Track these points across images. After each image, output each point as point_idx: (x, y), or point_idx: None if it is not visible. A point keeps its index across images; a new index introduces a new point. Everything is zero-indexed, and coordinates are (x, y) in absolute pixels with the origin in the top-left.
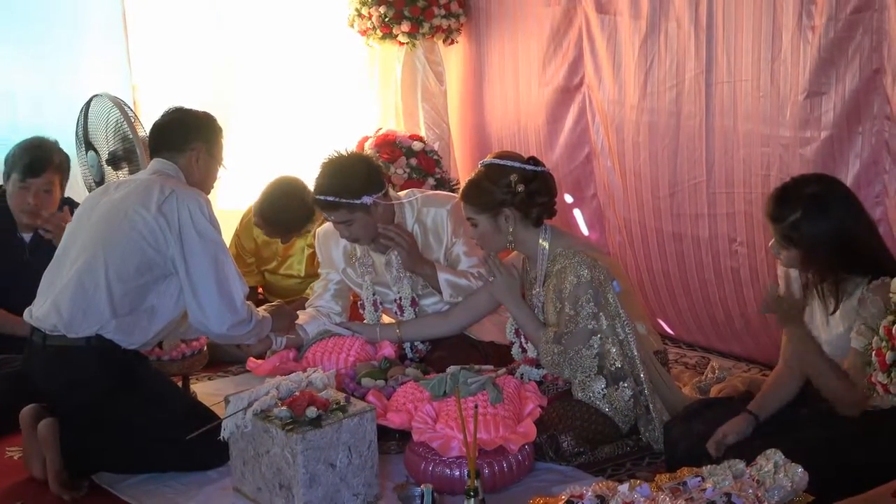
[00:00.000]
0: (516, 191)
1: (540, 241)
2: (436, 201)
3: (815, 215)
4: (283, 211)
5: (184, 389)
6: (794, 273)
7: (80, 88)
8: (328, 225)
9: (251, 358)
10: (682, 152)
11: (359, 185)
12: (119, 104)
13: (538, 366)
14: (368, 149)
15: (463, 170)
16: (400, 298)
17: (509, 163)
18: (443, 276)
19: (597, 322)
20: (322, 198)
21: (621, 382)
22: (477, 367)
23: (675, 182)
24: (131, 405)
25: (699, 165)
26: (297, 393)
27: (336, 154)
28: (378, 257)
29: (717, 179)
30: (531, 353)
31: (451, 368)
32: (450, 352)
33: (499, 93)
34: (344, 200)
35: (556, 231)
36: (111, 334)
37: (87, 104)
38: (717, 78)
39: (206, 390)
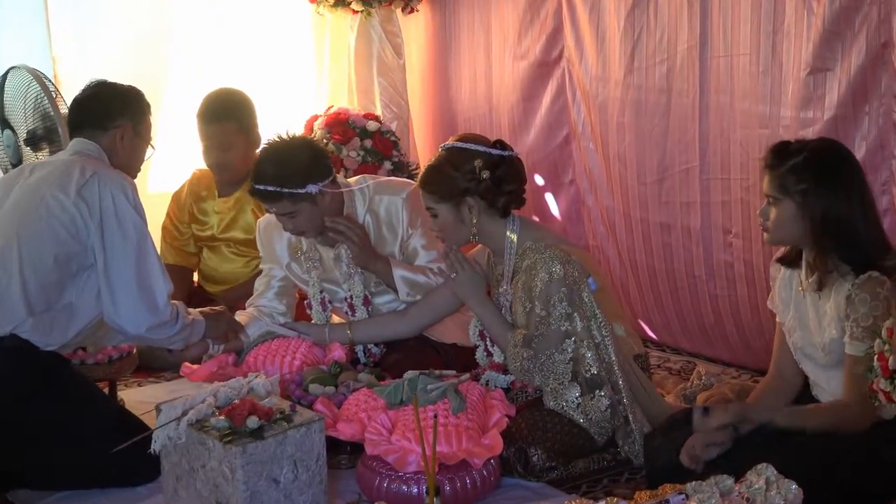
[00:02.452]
0: (481, 178)
1: (507, 233)
2: (389, 188)
3: (817, 165)
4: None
5: (110, 396)
6: (784, 274)
7: None
8: (270, 216)
9: (185, 363)
10: (672, 134)
11: (302, 173)
12: (39, 78)
13: (505, 371)
14: (318, 129)
15: (423, 153)
16: (351, 297)
17: (473, 146)
18: (398, 273)
19: (570, 323)
20: (261, 187)
21: (597, 390)
22: (437, 372)
23: (664, 167)
24: (50, 414)
25: (691, 148)
26: (236, 401)
27: (276, 139)
28: (326, 251)
29: (710, 164)
30: (498, 358)
31: (409, 374)
32: (407, 355)
33: (467, 67)
34: (286, 190)
35: (525, 222)
36: (27, 334)
37: (3, 77)
38: (712, 52)
39: (135, 397)
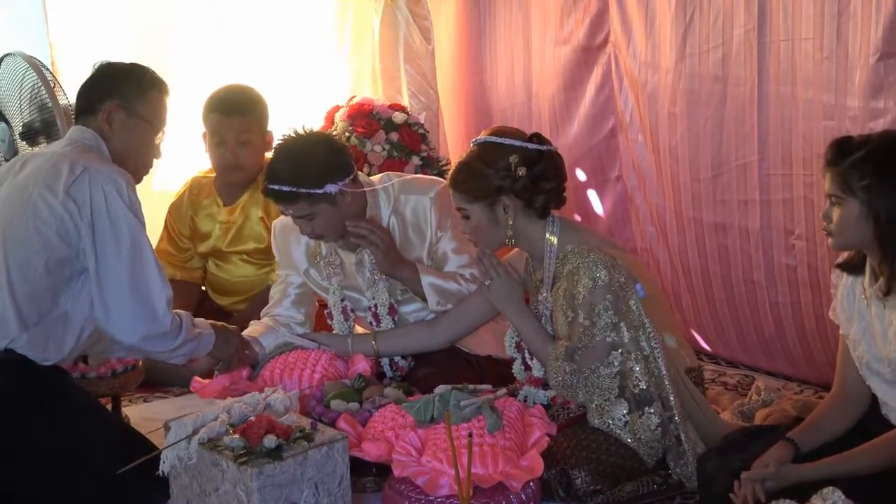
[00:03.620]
0: (517, 175)
1: (546, 235)
2: (416, 187)
3: (882, 158)
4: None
5: (114, 413)
6: (847, 281)
7: None
8: (286, 218)
9: (196, 377)
10: (728, 126)
11: (320, 172)
12: (36, 65)
13: (546, 386)
14: (340, 121)
15: (455, 147)
16: (375, 305)
17: (508, 141)
18: (427, 280)
19: (617, 334)
20: (276, 188)
21: (647, 407)
22: (471, 386)
23: (719, 162)
24: (48, 433)
25: (749, 142)
26: (252, 418)
27: (291, 134)
28: (347, 256)
29: (771, 159)
30: (537, 372)
31: (440, 389)
32: (437, 368)
33: (503, 53)
34: (303, 190)
35: (566, 223)
36: (23, 349)
37: None
38: (771, 36)
39: (141, 414)
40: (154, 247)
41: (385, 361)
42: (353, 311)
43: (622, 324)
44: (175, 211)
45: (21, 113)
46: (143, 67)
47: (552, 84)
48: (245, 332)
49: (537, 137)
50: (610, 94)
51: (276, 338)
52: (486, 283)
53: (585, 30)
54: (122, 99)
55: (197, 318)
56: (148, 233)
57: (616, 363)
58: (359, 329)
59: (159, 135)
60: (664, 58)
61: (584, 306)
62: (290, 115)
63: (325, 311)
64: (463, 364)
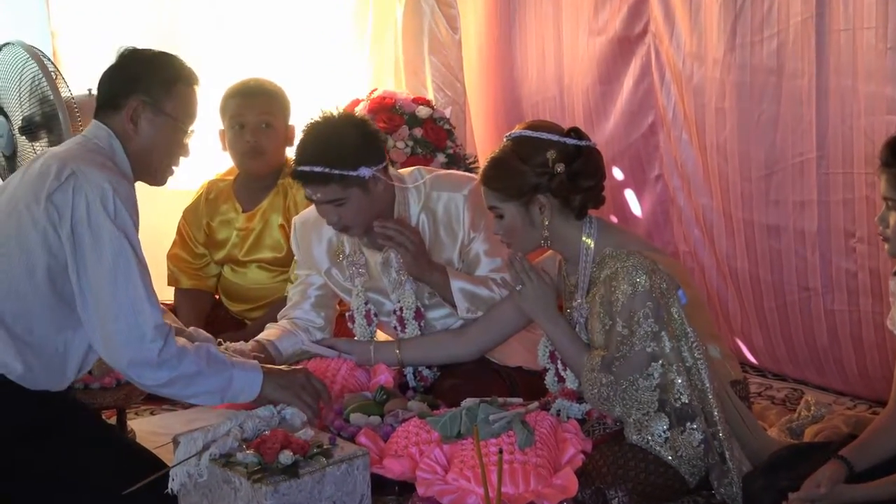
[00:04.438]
0: (554, 172)
1: (583, 237)
2: (449, 183)
3: None
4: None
5: (118, 427)
6: None
7: None
8: (308, 213)
9: None
10: (783, 121)
11: (355, 153)
12: (36, 55)
13: (580, 399)
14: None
15: (483, 143)
16: (401, 309)
17: (545, 135)
18: (457, 284)
19: (657, 344)
20: (307, 169)
21: (689, 423)
22: (501, 399)
23: (773, 160)
24: (49, 449)
25: (807, 138)
26: (266, 432)
27: (323, 116)
28: (372, 255)
29: (830, 156)
30: (571, 384)
31: (467, 402)
32: (465, 379)
33: (534, 43)
34: (337, 172)
35: (604, 225)
36: (19, 379)
37: None
38: (831, 25)
39: (147, 428)
40: (167, 251)
41: (409, 371)
42: (376, 315)
43: (663, 333)
44: (190, 215)
45: (21, 106)
46: (169, 57)
47: (586, 77)
48: (261, 336)
49: (575, 132)
50: (649, 87)
51: (293, 343)
52: (518, 289)
53: (623, 19)
54: (147, 95)
55: (242, 357)
56: (158, 234)
57: (656, 375)
58: (381, 336)
59: (188, 132)
60: (711, 48)
61: (623, 314)
62: (308, 109)
63: (347, 315)
64: (491, 375)
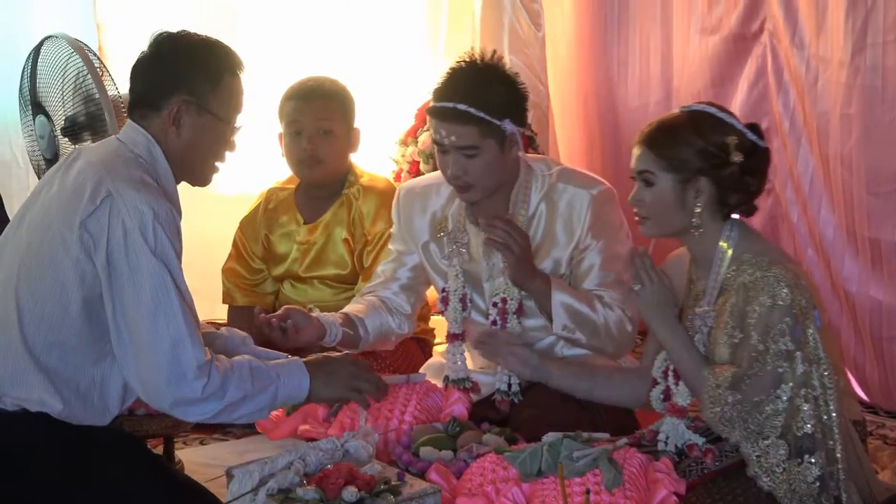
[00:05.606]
0: (730, 160)
1: (720, 241)
2: (579, 179)
3: None
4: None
5: (165, 458)
6: None
7: (28, 27)
8: (414, 182)
9: None
10: None
11: (505, 102)
12: (81, 49)
13: (696, 420)
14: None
15: (567, 151)
16: (504, 300)
17: (729, 119)
18: (559, 297)
19: (790, 365)
20: (450, 105)
21: (807, 455)
22: (586, 434)
23: None
24: (93, 487)
25: None
26: (329, 466)
27: (469, 58)
28: (477, 234)
29: None
30: (682, 400)
31: (549, 436)
32: (544, 411)
33: (637, 42)
34: (482, 115)
35: (746, 230)
36: (59, 413)
37: (37, 49)
38: None
39: (197, 459)
40: (223, 265)
41: (503, 382)
42: (471, 301)
43: (798, 353)
44: (247, 227)
45: (63, 105)
46: (212, 45)
47: (697, 80)
48: (345, 310)
49: (756, 128)
50: (764, 90)
51: (380, 323)
52: (636, 289)
53: (738, 16)
54: (190, 93)
55: (279, 360)
56: (212, 245)
57: (784, 398)
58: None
59: (235, 128)
60: (837, 49)
61: (759, 327)
62: (376, 113)
63: (440, 297)
64: (573, 407)
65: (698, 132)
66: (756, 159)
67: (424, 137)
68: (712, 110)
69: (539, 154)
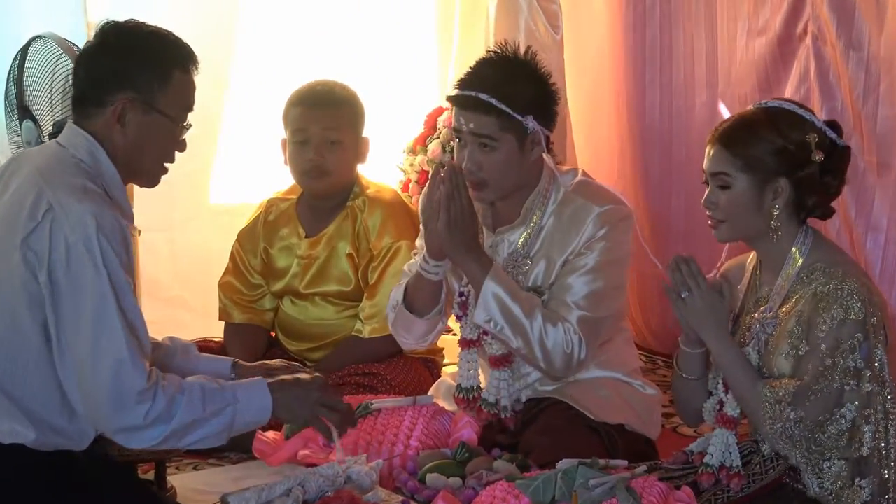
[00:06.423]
0: (812, 158)
1: (793, 247)
2: (592, 194)
3: None
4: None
5: (157, 484)
6: None
7: (15, 27)
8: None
9: (259, 434)
10: None
11: (529, 98)
12: (71, 50)
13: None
14: (443, 126)
15: (585, 159)
16: (468, 294)
17: (809, 116)
18: (492, 287)
19: (857, 383)
20: (473, 93)
21: (860, 479)
22: (602, 461)
23: None
24: None
25: None
26: (330, 494)
27: (500, 50)
28: (487, 235)
29: None
30: (732, 411)
31: (563, 464)
32: (556, 438)
33: (681, 44)
34: (504, 107)
35: (819, 238)
36: (32, 443)
37: (24, 50)
38: None
39: (190, 485)
40: (219, 279)
41: (505, 399)
42: None
43: (867, 372)
44: (246, 239)
45: (52, 109)
46: (162, 37)
47: (744, 84)
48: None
49: (835, 126)
50: (806, 95)
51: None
52: (683, 296)
53: (783, 15)
54: (136, 90)
55: (242, 380)
56: (199, 256)
57: (848, 417)
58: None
59: (185, 127)
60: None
61: (828, 341)
62: (385, 119)
63: (458, 301)
64: (587, 433)
65: (777, 130)
66: (836, 158)
67: (434, 146)
68: (791, 107)
69: (556, 161)
